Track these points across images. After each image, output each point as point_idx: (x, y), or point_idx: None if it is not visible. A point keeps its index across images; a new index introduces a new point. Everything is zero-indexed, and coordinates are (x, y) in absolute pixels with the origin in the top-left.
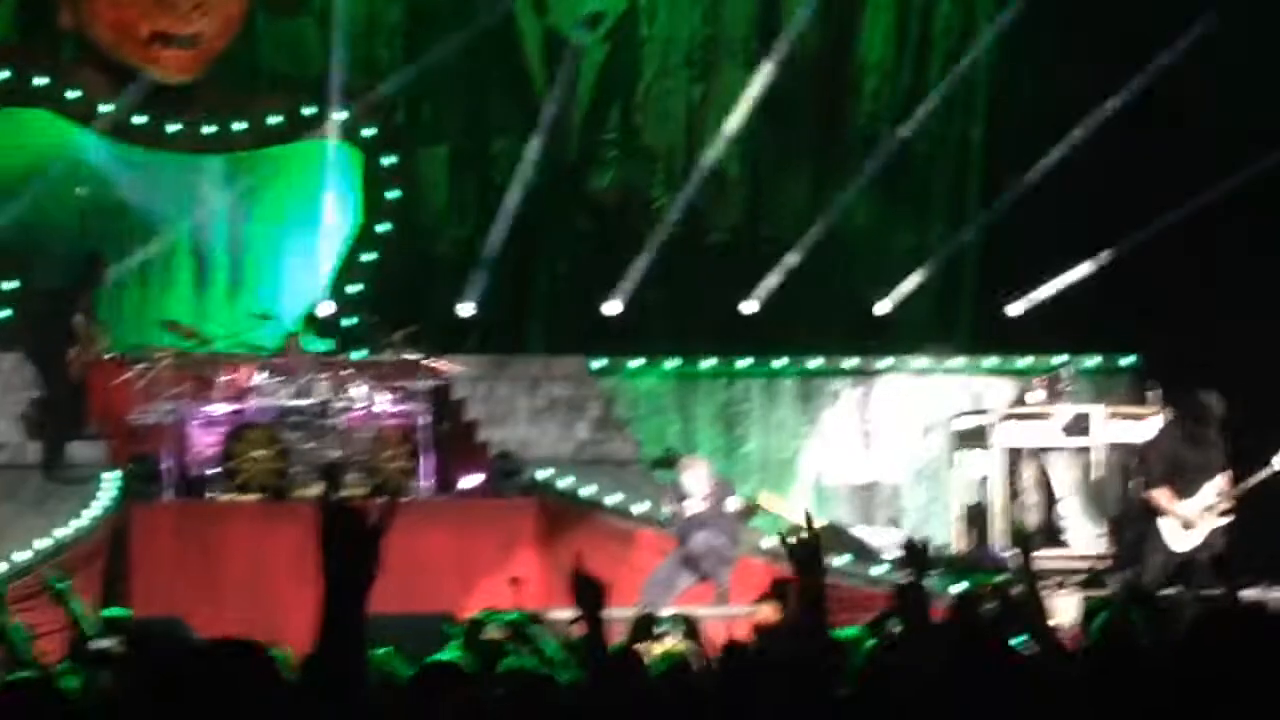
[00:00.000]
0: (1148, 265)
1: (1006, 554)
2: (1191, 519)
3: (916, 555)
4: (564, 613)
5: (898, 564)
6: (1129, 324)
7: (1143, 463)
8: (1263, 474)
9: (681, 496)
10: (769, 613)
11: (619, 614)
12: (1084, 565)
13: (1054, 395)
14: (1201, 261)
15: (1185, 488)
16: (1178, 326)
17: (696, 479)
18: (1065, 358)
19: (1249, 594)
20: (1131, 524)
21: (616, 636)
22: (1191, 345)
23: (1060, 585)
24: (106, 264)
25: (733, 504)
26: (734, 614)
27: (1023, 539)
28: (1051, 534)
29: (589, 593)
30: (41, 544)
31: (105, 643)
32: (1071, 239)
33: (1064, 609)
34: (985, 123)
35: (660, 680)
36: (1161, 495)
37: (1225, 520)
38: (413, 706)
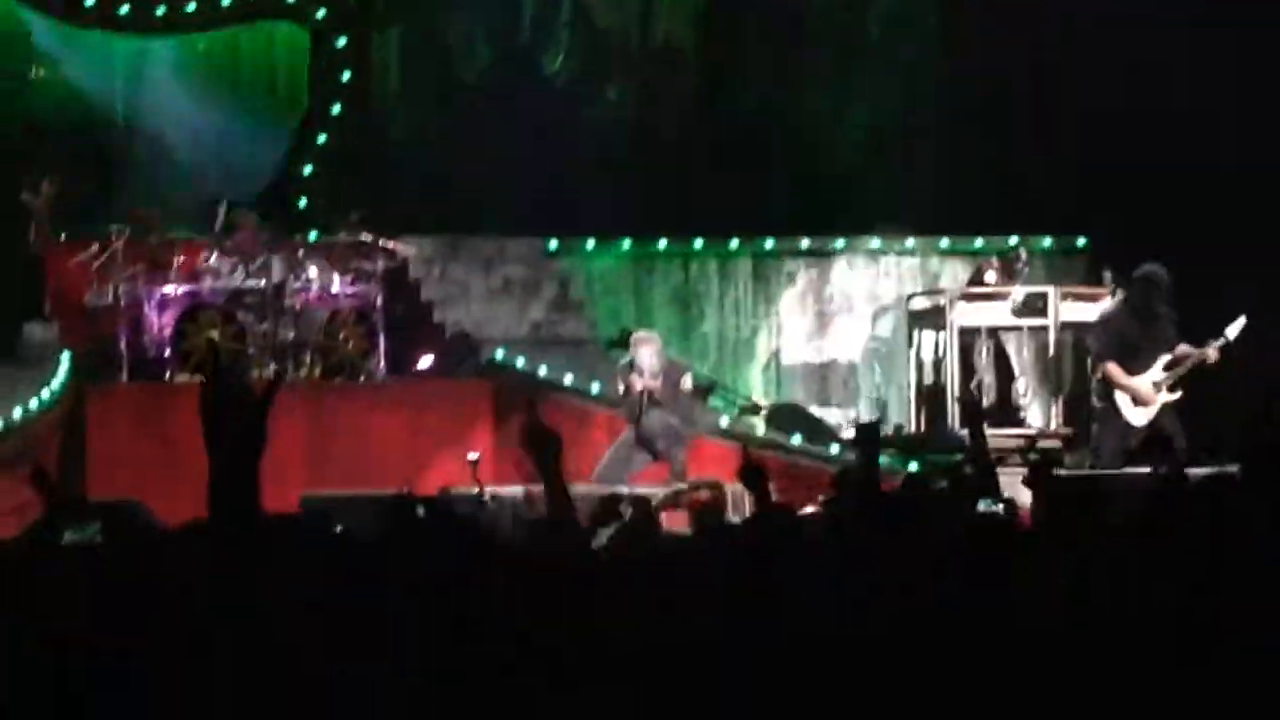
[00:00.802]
0: (1100, 144)
1: (961, 433)
2: (1143, 394)
3: (868, 436)
4: (518, 489)
5: (850, 445)
6: (1081, 205)
7: (1093, 339)
8: (1213, 346)
9: (633, 372)
10: (705, 495)
11: (577, 491)
12: (1038, 443)
13: (1009, 276)
14: (1153, 139)
15: (1136, 364)
16: (1129, 206)
17: (648, 354)
18: (1017, 239)
19: (1199, 471)
20: (1087, 402)
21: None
22: (1142, 225)
23: (1016, 463)
24: (46, 136)
25: (687, 383)
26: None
27: (971, 411)
28: (1007, 413)
29: (542, 439)
30: None
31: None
32: (1026, 120)
33: (1018, 487)
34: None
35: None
36: (1113, 369)
37: (1175, 396)
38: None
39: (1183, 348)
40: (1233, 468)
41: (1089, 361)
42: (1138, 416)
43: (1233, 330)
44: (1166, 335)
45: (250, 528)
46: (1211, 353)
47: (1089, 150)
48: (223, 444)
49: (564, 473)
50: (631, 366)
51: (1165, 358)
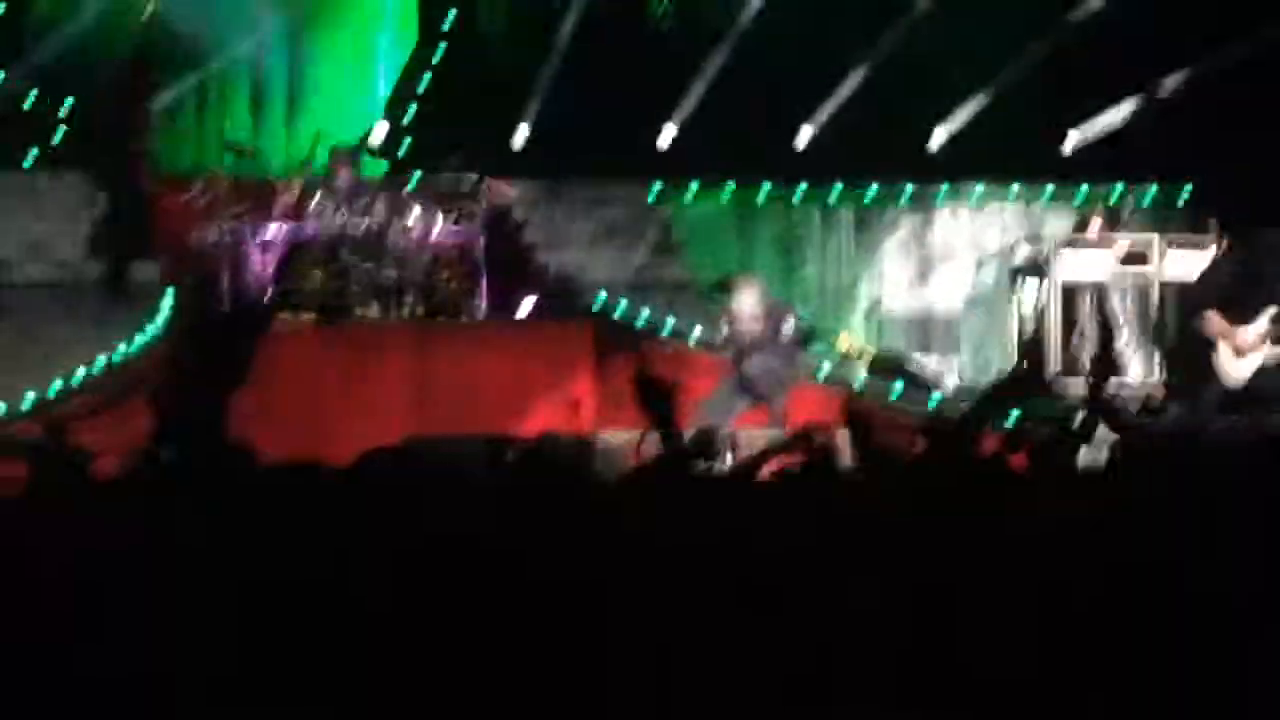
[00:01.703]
0: (1207, 95)
1: (1063, 384)
2: (1244, 345)
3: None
4: (620, 434)
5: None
6: (1187, 154)
7: (1196, 290)
8: None
9: (735, 318)
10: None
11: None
12: (1139, 396)
13: (1113, 226)
14: (1261, 90)
15: (1238, 318)
16: (1236, 156)
17: (749, 299)
18: (1121, 187)
19: None
20: (1186, 355)
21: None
22: (1249, 176)
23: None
24: (151, 73)
25: (789, 327)
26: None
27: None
28: (1108, 365)
29: (655, 393)
30: (100, 363)
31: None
32: (1131, 68)
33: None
34: None
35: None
36: (1214, 319)
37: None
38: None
39: None
40: None
41: (1192, 307)
42: (1238, 369)
43: None
44: (1269, 293)
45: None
46: None
47: (1195, 97)
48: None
49: (679, 423)
50: (731, 310)
51: (1274, 310)
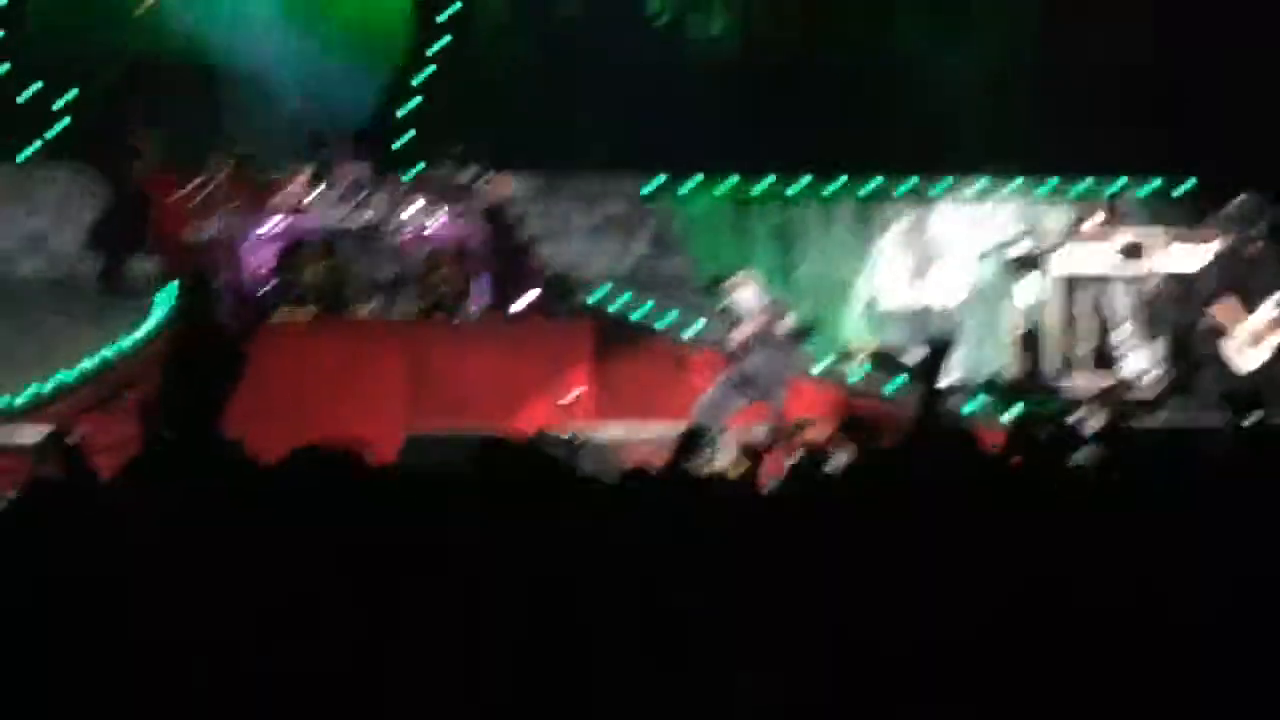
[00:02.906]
0: (1210, 86)
1: (1061, 379)
2: (1259, 331)
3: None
4: (617, 430)
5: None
6: (1188, 147)
7: (1204, 278)
8: None
9: (733, 316)
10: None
11: (673, 431)
12: (1137, 391)
13: (1114, 218)
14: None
15: (1249, 303)
16: (1236, 149)
17: (746, 297)
18: (1124, 180)
19: None
20: (1189, 348)
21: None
22: (1250, 169)
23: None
24: (157, 72)
25: (786, 324)
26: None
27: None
28: (1106, 360)
29: None
30: (97, 358)
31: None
32: (1130, 61)
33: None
34: None
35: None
36: (1227, 307)
37: None
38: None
39: None
40: None
41: (1199, 298)
42: (1249, 358)
43: None
44: (1272, 272)
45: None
46: None
47: (1194, 90)
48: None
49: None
50: (729, 309)
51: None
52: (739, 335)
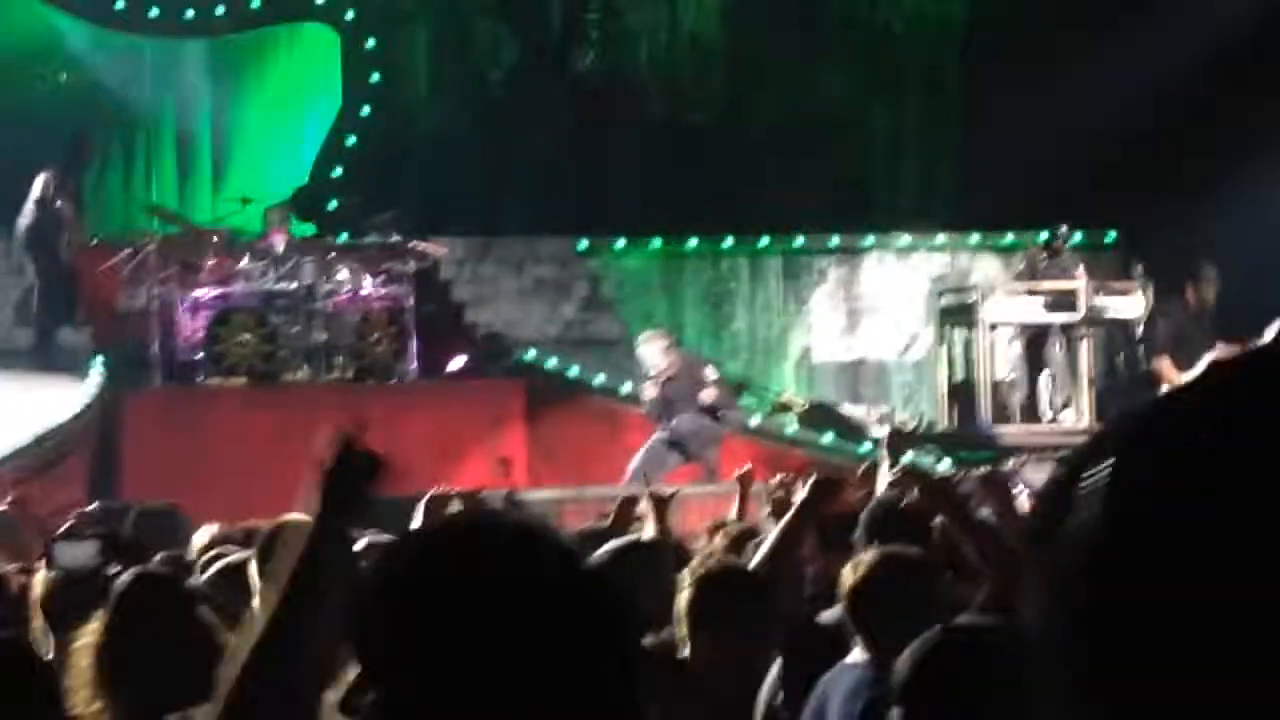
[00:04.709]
0: (1129, 139)
1: (993, 430)
2: None
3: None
4: (551, 493)
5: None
6: (1112, 198)
7: (1148, 334)
8: (1260, 345)
9: (653, 374)
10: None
11: (607, 492)
12: (1065, 440)
13: (1054, 255)
14: (1183, 134)
15: (1186, 361)
16: (1160, 201)
17: (651, 353)
18: (1047, 234)
19: None
20: (1122, 397)
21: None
22: (1173, 219)
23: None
24: (92, 146)
25: (710, 374)
26: (723, 491)
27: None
28: (1035, 410)
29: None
30: (31, 430)
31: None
32: (1051, 114)
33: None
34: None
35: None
36: (1166, 364)
37: None
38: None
39: (1226, 346)
40: None
41: (1139, 356)
42: None
43: (1272, 330)
44: (1210, 333)
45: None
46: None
47: (1117, 143)
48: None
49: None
50: (640, 364)
51: (1213, 354)
52: (647, 392)
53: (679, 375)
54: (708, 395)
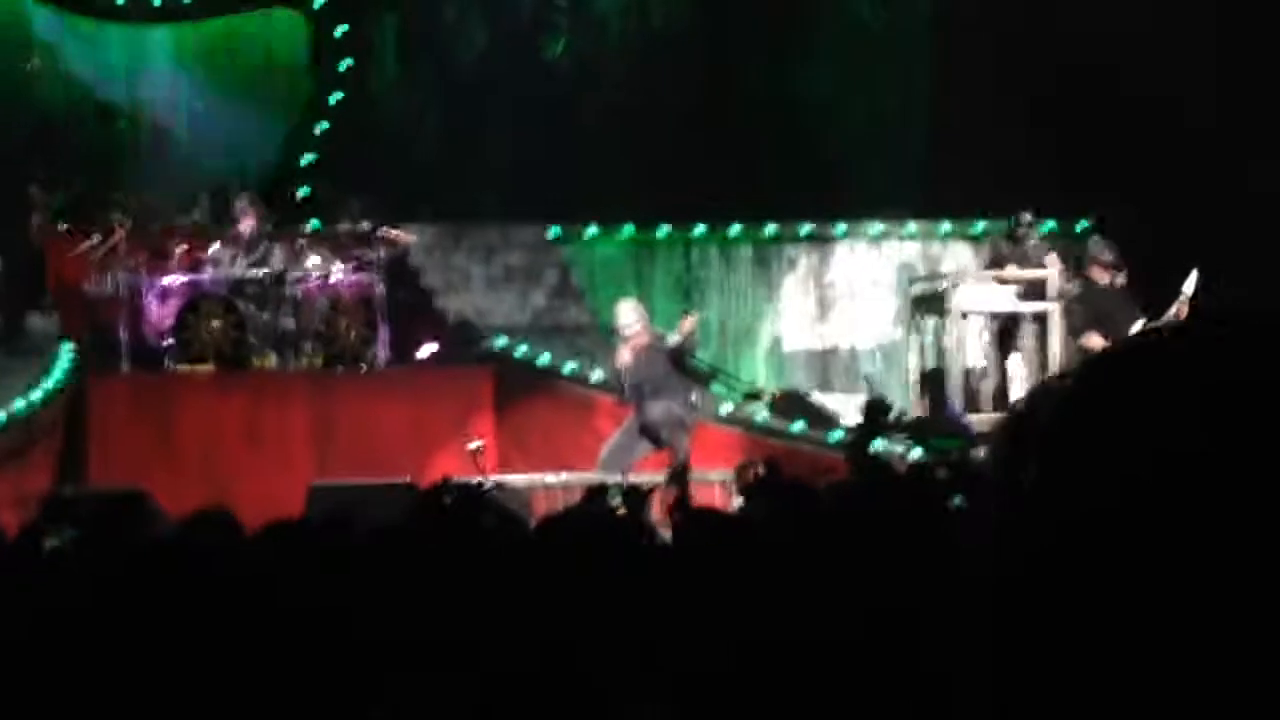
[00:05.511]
0: (1100, 125)
1: (964, 418)
2: None
3: (875, 413)
4: (521, 478)
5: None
6: (1082, 188)
7: (1068, 315)
8: (1177, 304)
9: (621, 348)
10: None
11: (578, 480)
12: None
13: (1019, 239)
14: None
15: (1115, 335)
16: (1129, 189)
17: (625, 310)
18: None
19: None
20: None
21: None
22: (1143, 206)
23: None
24: (58, 131)
25: (673, 337)
26: (693, 479)
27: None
28: (1006, 398)
29: None
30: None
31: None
32: (1021, 105)
33: None
34: None
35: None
36: (1093, 340)
37: None
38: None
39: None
40: None
41: (1070, 331)
42: None
43: (1189, 285)
44: (1132, 304)
45: None
46: (1183, 309)
47: (1089, 132)
48: None
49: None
50: (616, 330)
51: (1139, 324)
52: (620, 356)
53: (651, 344)
54: (673, 339)
